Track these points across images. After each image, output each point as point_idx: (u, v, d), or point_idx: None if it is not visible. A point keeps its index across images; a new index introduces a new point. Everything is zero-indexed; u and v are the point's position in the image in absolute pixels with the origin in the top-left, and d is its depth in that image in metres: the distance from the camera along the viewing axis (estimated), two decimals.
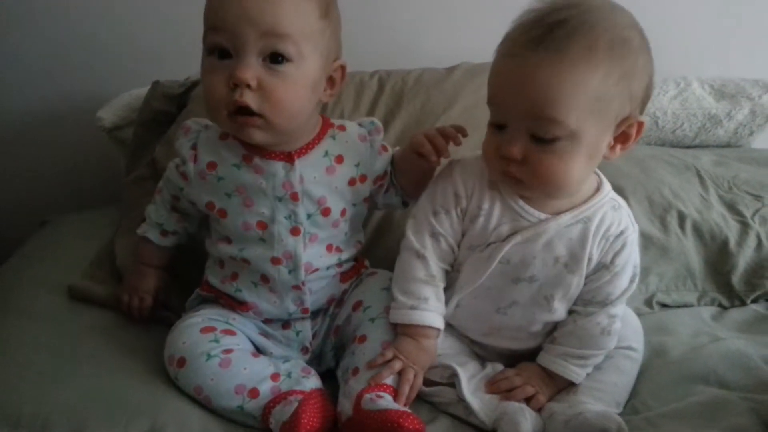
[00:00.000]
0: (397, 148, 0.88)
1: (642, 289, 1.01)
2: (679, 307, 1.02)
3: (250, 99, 0.70)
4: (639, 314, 0.94)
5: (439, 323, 0.77)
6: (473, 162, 0.76)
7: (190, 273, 0.93)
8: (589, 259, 0.74)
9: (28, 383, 0.72)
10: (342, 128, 0.83)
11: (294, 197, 0.78)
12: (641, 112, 0.69)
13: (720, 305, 1.02)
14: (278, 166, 0.77)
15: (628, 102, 0.66)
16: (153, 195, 1.04)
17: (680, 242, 1.03)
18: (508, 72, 0.66)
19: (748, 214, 1.07)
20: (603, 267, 0.75)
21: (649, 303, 1.01)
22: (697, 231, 1.05)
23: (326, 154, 0.80)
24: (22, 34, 1.26)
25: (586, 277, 0.76)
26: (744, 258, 1.03)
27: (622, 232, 0.75)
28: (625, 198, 1.03)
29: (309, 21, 0.71)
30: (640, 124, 0.68)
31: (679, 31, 1.36)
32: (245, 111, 0.71)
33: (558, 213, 0.73)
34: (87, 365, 0.76)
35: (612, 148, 0.69)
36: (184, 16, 1.24)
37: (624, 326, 0.80)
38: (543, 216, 0.73)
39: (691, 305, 1.02)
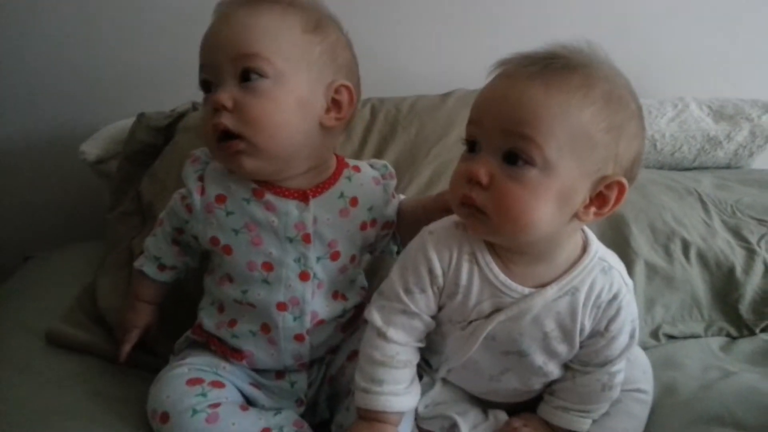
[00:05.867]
0: (403, 197, 0.86)
1: (648, 320, 0.98)
2: (686, 338, 0.98)
3: (227, 120, 0.69)
4: (645, 348, 0.91)
5: (395, 406, 0.69)
6: (447, 231, 0.70)
7: (177, 313, 0.89)
8: (581, 330, 0.69)
9: None
10: (357, 169, 0.81)
11: (306, 239, 0.75)
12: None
13: (728, 335, 0.99)
14: (292, 205, 0.75)
15: (612, 160, 0.62)
16: (138, 230, 1.02)
17: (685, 271, 1.00)
18: (495, 88, 0.63)
19: (753, 239, 1.04)
20: (597, 334, 0.70)
21: (655, 335, 0.98)
22: (702, 259, 1.02)
23: (341, 195, 0.78)
24: (2, 65, 1.23)
25: (581, 343, 0.71)
26: (751, 286, 0.99)
27: (615, 296, 0.69)
28: (627, 226, 1.03)
29: (286, 37, 0.70)
30: (621, 188, 0.62)
31: (676, 50, 1.36)
32: (227, 136, 0.69)
33: (542, 285, 0.67)
34: (65, 419, 0.72)
35: (587, 207, 0.63)
36: (170, 47, 1.24)
37: (632, 366, 0.76)
38: (526, 291, 0.67)
39: (699, 336, 0.99)
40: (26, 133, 1.30)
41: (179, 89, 1.16)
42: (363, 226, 0.79)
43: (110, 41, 1.24)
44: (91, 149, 1.12)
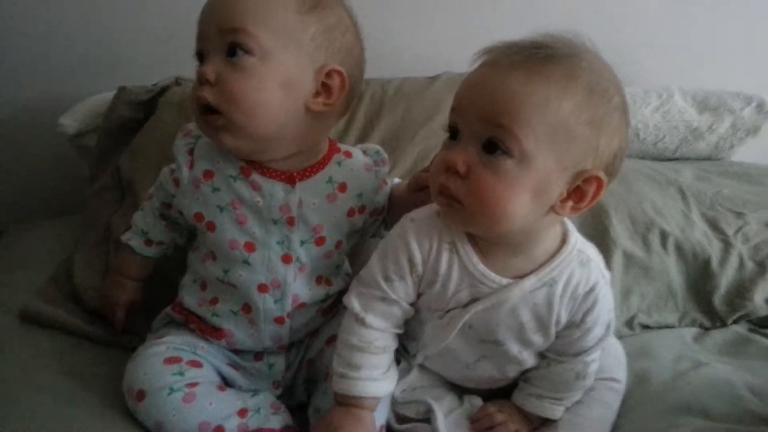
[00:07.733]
0: (396, 180, 0.85)
1: (623, 310, 0.99)
2: (660, 328, 1.00)
3: (207, 93, 0.68)
4: (620, 336, 0.92)
5: (372, 391, 0.69)
6: (428, 220, 0.70)
7: (153, 292, 0.88)
8: (557, 322, 0.69)
9: None
10: (348, 154, 0.80)
11: (290, 222, 0.74)
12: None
13: (701, 326, 1.00)
14: (278, 187, 0.74)
15: (592, 155, 0.60)
16: (116, 207, 1.00)
17: (662, 261, 1.01)
18: (477, 76, 0.62)
19: (730, 232, 1.05)
20: (573, 325, 0.70)
21: (629, 324, 0.99)
22: (680, 250, 1.02)
23: (330, 180, 0.76)
24: None
25: (556, 334, 0.71)
26: (726, 278, 1.01)
27: (592, 289, 0.68)
28: (607, 215, 1.03)
29: (277, 14, 0.68)
30: (600, 184, 0.61)
31: (664, 39, 1.35)
32: (209, 110, 0.69)
33: (520, 276, 0.67)
34: (38, 396, 0.71)
35: (564, 201, 0.62)
36: (153, 19, 1.21)
37: (606, 355, 0.77)
38: (504, 281, 0.67)
39: (673, 326, 1.00)
40: (2, 106, 1.26)
41: (162, 63, 1.15)
42: (350, 213, 0.78)
43: (91, 14, 1.20)
44: (71, 122, 1.09)
